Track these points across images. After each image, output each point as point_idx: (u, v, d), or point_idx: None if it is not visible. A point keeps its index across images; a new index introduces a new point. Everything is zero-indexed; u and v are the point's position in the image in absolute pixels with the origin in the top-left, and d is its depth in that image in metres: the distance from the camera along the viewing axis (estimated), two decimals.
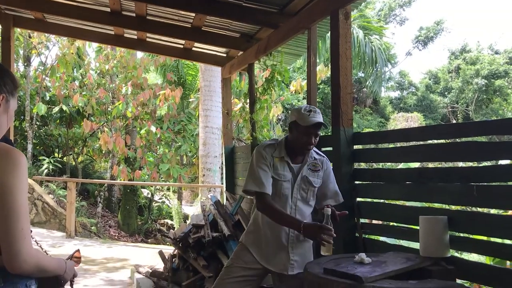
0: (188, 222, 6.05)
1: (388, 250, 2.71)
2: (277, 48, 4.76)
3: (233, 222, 4.48)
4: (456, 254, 3.31)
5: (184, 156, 15.39)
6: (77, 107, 11.79)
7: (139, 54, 12.34)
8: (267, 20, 4.56)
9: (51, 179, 11.00)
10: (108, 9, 5.08)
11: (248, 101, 5.39)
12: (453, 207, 3.54)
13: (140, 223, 11.81)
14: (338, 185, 2.89)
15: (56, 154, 13.66)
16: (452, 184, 2.60)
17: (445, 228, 2.44)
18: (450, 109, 31.53)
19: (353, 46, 12.79)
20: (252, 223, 2.80)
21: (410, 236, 2.86)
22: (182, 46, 6.04)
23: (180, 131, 12.49)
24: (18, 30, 9.73)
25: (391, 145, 3.36)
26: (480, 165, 2.75)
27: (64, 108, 11.54)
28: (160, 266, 5.35)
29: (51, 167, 11.67)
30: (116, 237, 10.67)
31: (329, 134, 3.44)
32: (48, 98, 12.54)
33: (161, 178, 11.78)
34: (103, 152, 12.19)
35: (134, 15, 5.16)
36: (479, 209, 3.30)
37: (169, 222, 11.81)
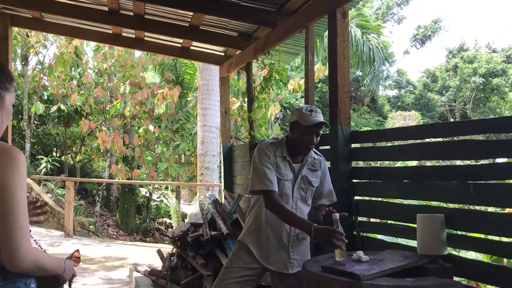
0: (186, 221, 6.07)
1: (386, 248, 2.72)
2: (275, 47, 4.76)
3: (232, 220, 4.49)
4: (454, 252, 3.32)
5: (182, 155, 15.41)
6: (75, 106, 11.79)
7: (137, 53, 12.33)
8: (265, 19, 4.56)
9: (49, 178, 11.00)
10: (106, 8, 5.08)
11: (246, 100, 5.39)
12: (451, 205, 3.56)
13: (138, 222, 11.82)
14: (336, 184, 2.90)
15: (54, 153, 13.66)
16: (450, 182, 2.61)
17: (442, 226, 2.46)
18: (448, 108, 31.59)
19: (351, 45, 12.80)
20: (253, 222, 2.79)
21: (408, 234, 2.87)
22: (180, 45, 6.04)
23: (178, 130, 12.49)
24: (15, 29, 9.72)
25: (389, 144, 3.36)
26: (478, 163, 2.76)
27: (62, 107, 11.53)
28: (158, 264, 5.36)
29: (49, 166, 11.67)
30: (114, 236, 10.67)
31: (327, 132, 3.45)
32: (46, 97, 12.53)
33: (159, 177, 11.79)
34: (101, 151, 12.19)
35: (132, 14, 5.15)
36: (477, 207, 3.32)
37: (168, 221, 11.82)
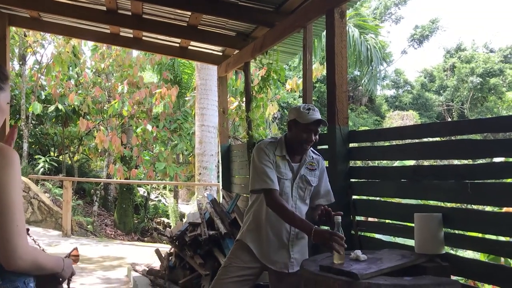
0: (184, 220, 6.06)
1: (384, 247, 2.73)
2: (273, 47, 4.77)
3: (230, 220, 4.49)
4: (451, 251, 3.33)
5: (180, 155, 15.41)
6: (72, 106, 11.77)
7: (135, 53, 12.32)
8: (263, 19, 4.57)
9: (47, 178, 10.98)
10: (104, 8, 5.07)
11: (244, 99, 5.40)
12: (448, 205, 3.57)
13: (136, 221, 11.81)
14: (334, 183, 2.91)
15: (52, 153, 13.64)
16: (447, 182, 2.62)
17: (440, 225, 2.46)
18: (445, 107, 31.66)
19: (349, 44, 12.81)
20: (252, 221, 2.79)
21: (405, 233, 2.88)
22: (178, 45, 6.04)
23: (176, 129, 12.48)
24: (13, 28, 9.70)
25: (387, 143, 3.37)
26: (475, 162, 2.77)
27: (60, 107, 11.51)
28: (156, 264, 5.35)
29: (47, 166, 11.65)
30: (112, 235, 10.66)
31: (325, 132, 3.46)
32: (43, 97, 12.52)
33: (157, 176, 11.77)
34: (99, 150, 12.17)
35: (130, 13, 5.15)
36: (474, 207, 3.32)
37: (166, 220, 11.81)
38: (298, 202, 2.74)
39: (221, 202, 5.28)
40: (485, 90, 29.76)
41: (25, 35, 11.74)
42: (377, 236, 3.28)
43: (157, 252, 5.15)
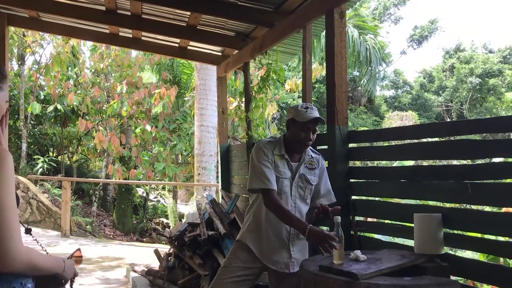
0: (183, 220, 6.06)
1: (383, 247, 2.73)
2: (273, 47, 4.77)
3: (229, 220, 4.49)
4: (450, 252, 3.33)
5: (180, 155, 15.39)
6: (71, 106, 11.76)
7: (134, 53, 12.31)
8: (263, 19, 4.57)
9: (46, 178, 10.97)
10: (103, 8, 5.07)
11: (243, 99, 5.40)
12: (447, 205, 3.57)
13: (135, 222, 11.81)
14: (333, 183, 2.91)
15: (50, 153, 13.63)
16: (446, 182, 2.62)
17: (439, 226, 2.46)
18: (445, 108, 31.68)
19: (348, 45, 12.82)
20: (252, 221, 2.80)
21: (405, 233, 2.88)
22: (177, 45, 6.03)
23: (175, 130, 12.48)
24: (12, 28, 9.69)
25: (386, 144, 3.37)
26: (474, 163, 2.77)
27: (59, 107, 11.50)
28: (155, 264, 5.35)
29: (45, 166, 11.64)
30: (111, 236, 10.66)
31: (325, 132, 3.46)
32: (42, 97, 12.50)
33: (156, 177, 11.77)
34: (98, 151, 12.16)
35: (129, 13, 5.14)
36: (473, 207, 3.33)
37: (164, 221, 11.81)
38: (298, 201, 2.74)
39: (220, 202, 5.28)
40: (484, 90, 29.79)
41: (24, 35, 11.73)
42: (376, 236, 3.28)
43: (156, 252, 5.15)
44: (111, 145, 10.53)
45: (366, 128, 22.10)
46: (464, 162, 2.82)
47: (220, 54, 6.06)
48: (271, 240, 2.71)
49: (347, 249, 2.38)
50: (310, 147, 2.82)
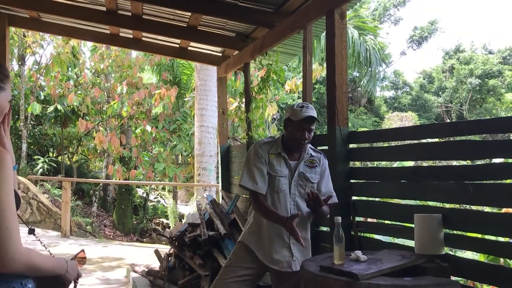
0: (184, 221, 6.06)
1: (383, 248, 2.73)
2: (273, 48, 4.77)
3: (229, 221, 4.50)
4: (450, 252, 3.34)
5: (180, 156, 15.40)
6: (72, 107, 11.76)
7: (134, 53, 12.32)
8: (263, 20, 4.57)
9: (46, 179, 10.97)
10: (104, 8, 5.08)
11: (243, 100, 5.40)
12: (447, 205, 3.57)
13: (135, 222, 11.80)
14: (333, 184, 2.91)
15: (50, 154, 13.63)
16: (446, 182, 2.63)
17: (439, 226, 2.47)
18: (444, 109, 31.68)
19: (348, 45, 12.82)
20: (253, 223, 2.81)
21: (405, 234, 2.88)
22: (177, 46, 6.04)
23: (176, 130, 12.48)
24: (12, 29, 9.69)
25: (386, 144, 3.37)
26: (474, 163, 2.78)
27: (59, 107, 11.50)
28: (156, 265, 5.35)
29: (46, 166, 11.64)
30: (111, 236, 10.66)
31: (325, 133, 3.46)
32: (42, 97, 12.50)
33: (157, 177, 11.77)
34: (98, 151, 12.15)
35: (130, 14, 5.15)
36: (473, 207, 3.33)
37: (165, 221, 11.80)
38: (298, 199, 2.75)
39: (220, 202, 5.28)
40: (484, 91, 29.78)
41: (24, 36, 11.73)
42: (376, 236, 3.28)
43: (157, 252, 5.15)
44: (111, 145, 10.53)
45: (366, 129, 22.10)
46: (464, 162, 2.82)
47: (220, 54, 6.06)
48: (272, 240, 2.72)
49: (348, 250, 2.38)
50: (311, 146, 2.84)
